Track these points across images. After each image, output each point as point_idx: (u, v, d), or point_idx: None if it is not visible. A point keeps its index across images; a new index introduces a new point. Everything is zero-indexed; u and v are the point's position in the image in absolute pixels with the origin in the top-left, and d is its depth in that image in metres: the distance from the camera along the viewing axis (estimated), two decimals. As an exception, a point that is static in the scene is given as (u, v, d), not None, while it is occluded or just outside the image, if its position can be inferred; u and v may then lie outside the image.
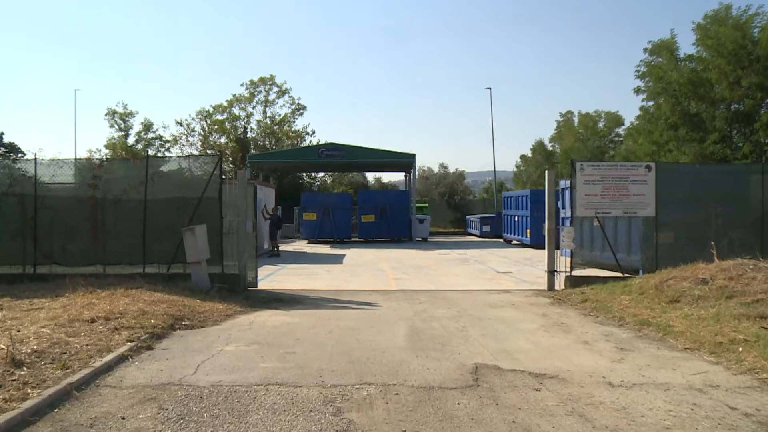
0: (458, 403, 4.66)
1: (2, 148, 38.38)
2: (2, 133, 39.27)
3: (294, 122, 42.57)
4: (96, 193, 10.80)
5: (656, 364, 5.80)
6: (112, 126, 41.71)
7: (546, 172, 11.46)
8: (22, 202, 10.90)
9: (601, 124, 43.14)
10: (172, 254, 10.55)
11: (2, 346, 5.53)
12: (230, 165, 37.05)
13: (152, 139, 41.32)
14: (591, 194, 10.82)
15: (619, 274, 10.76)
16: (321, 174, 42.36)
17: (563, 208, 15.58)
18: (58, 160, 11.32)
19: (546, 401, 4.73)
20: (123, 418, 4.38)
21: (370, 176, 56.58)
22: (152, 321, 7.24)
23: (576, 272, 10.90)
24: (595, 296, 9.46)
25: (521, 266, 15.60)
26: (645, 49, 24.21)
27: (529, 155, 49.36)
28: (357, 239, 26.45)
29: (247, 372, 5.55)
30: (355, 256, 19.25)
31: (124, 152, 38.35)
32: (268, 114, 42.31)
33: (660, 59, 23.68)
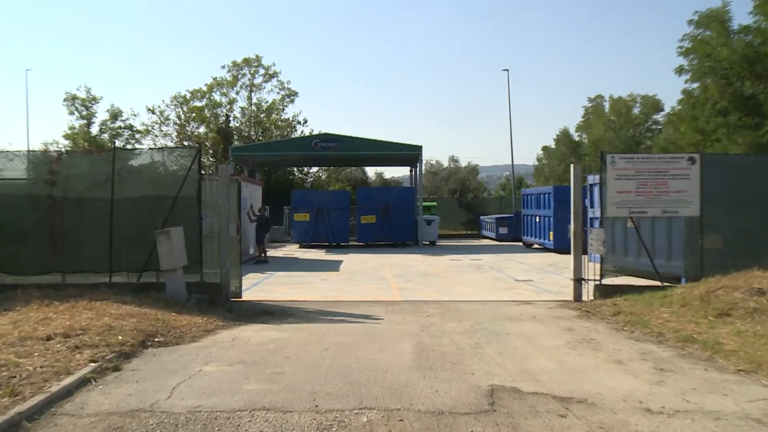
0: (471, 431, 4.62)
1: None
2: None
3: (283, 110, 42.63)
4: (54, 191, 10.74)
5: (703, 388, 5.74)
6: (72, 113, 41.27)
7: (572, 165, 11.42)
8: (-39, 202, 10.71)
9: (636, 110, 43.06)
10: (143, 261, 10.53)
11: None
12: (210, 159, 37.03)
13: (120, 128, 41.10)
14: (624, 191, 10.77)
15: (658, 283, 10.70)
16: (314, 169, 42.35)
17: (592, 207, 15.52)
18: (8, 152, 11.15)
19: (573, 429, 4.68)
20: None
21: (371, 171, 56.67)
22: (120, 338, 7.21)
23: (607, 281, 10.86)
24: (629, 308, 9.41)
25: (543, 274, 15.57)
26: (690, 21, 23.74)
27: (553, 147, 49.33)
28: (355, 243, 26.41)
29: (230, 396, 5.51)
30: (354, 262, 19.22)
31: (86, 144, 38.14)
32: (254, 100, 42.39)
33: (708, 33, 23.14)
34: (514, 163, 38.32)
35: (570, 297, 11.02)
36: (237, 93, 41.94)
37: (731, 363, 6.52)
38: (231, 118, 41.08)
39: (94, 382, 5.92)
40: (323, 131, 31.65)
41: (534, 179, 54.61)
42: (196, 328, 8.31)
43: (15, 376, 5.67)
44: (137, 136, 40.48)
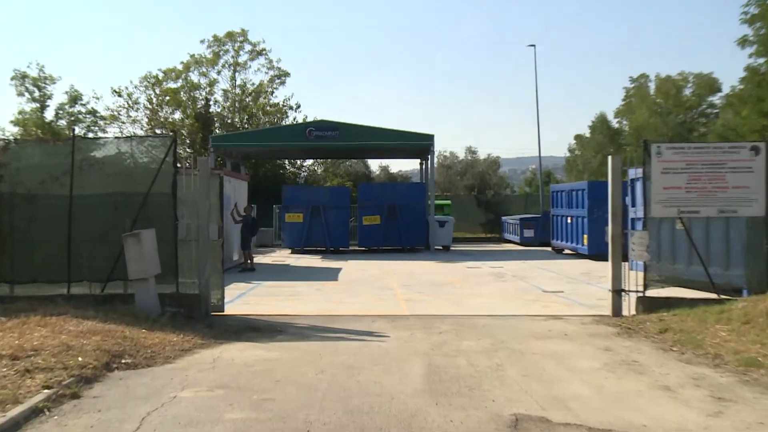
0: (494, 471, 4.57)
1: None
2: None
3: (273, 93, 42.68)
4: (0, 186, 10.74)
5: (770, 420, 5.68)
6: (21, 95, 40.51)
7: (610, 157, 11.36)
8: None
9: (687, 92, 42.83)
10: (108, 269, 10.52)
11: None
12: (188, 149, 37.07)
13: (80, 114, 40.67)
14: (672, 187, 10.71)
15: (713, 296, 10.62)
16: (309, 161, 42.44)
17: (633, 205, 15.46)
18: None
19: (615, 468, 4.62)
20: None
21: (375, 165, 56.80)
22: (80, 359, 7.18)
23: (652, 292, 10.80)
24: (678, 325, 9.34)
25: (576, 284, 15.54)
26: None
27: (587, 135, 49.23)
28: (357, 248, 26.41)
29: (210, 426, 5.49)
30: (355, 270, 19.21)
31: (40, 131, 37.82)
32: (238, 81, 42.43)
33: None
34: (542, 154, 38.22)
35: (608, 311, 10.95)
36: (218, 73, 42.04)
37: (801, 390, 6.46)
38: (211, 102, 41.17)
39: (47, 413, 5.88)
40: (319, 118, 31.70)
41: (565, 173, 54.49)
42: (170, 347, 8.29)
43: (-51, 407, 5.63)
44: (101, 122, 40.23)
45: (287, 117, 41.65)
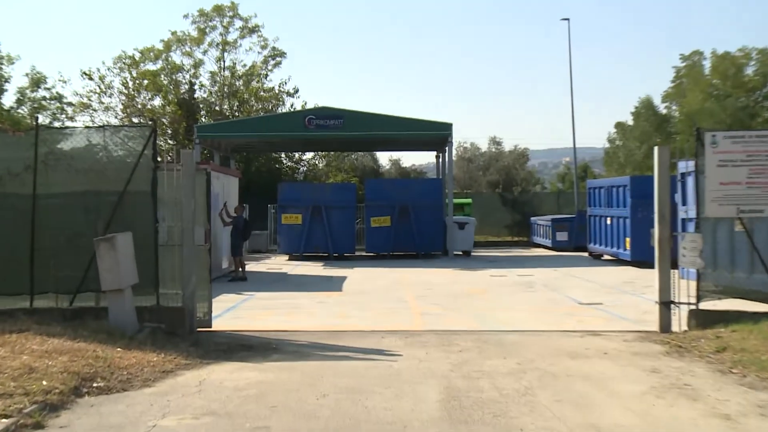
0: None
1: None
2: None
3: (267, 76, 42.83)
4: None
5: None
6: None
7: (656, 148, 11.28)
8: None
9: (749, 71, 42.37)
10: (77, 279, 10.52)
11: None
12: (170, 141, 37.22)
13: (45, 100, 40.67)
14: (730, 182, 10.62)
15: (779, 309, 10.52)
16: (309, 155, 42.50)
17: (684, 204, 15.33)
18: None
19: None
20: None
21: (384, 158, 56.82)
22: (44, 383, 7.16)
23: (707, 305, 10.73)
24: (739, 343, 9.24)
25: (617, 295, 15.50)
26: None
27: (630, 123, 48.99)
28: (364, 254, 26.46)
29: (193, 461, 5.46)
30: (361, 279, 19.22)
31: (-3, 120, 38.15)
32: (227, 63, 42.60)
33: None
34: (577, 145, 37.99)
35: (654, 326, 10.89)
36: (204, 53, 42.21)
37: None
38: (196, 87, 41.36)
39: (9, 444, 5.89)
40: (320, 105, 31.71)
41: (604, 167, 54.32)
42: (149, 369, 8.27)
43: None
44: (69, 110, 40.19)
45: (284, 104, 41.78)
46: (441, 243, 26.14)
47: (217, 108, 40.88)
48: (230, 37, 42.40)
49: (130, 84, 39.61)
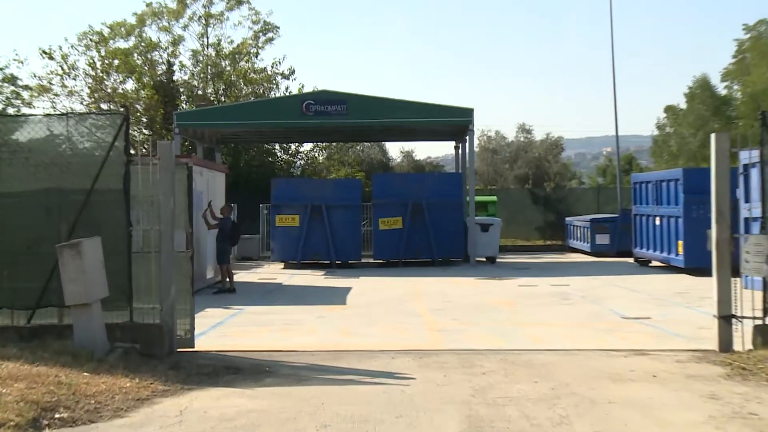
0: None
1: None
2: None
3: (258, 55, 42.82)
4: None
5: None
6: None
7: (714, 135, 11.21)
8: None
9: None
10: (37, 292, 10.53)
11: None
12: (145, 131, 37.26)
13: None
14: (800, 175, 10.56)
15: None
16: (307, 146, 42.48)
17: (747, 201, 15.24)
18: None
19: None
20: None
21: (394, 149, 56.77)
22: (-1, 413, 7.19)
23: (773, 318, 10.66)
24: (811, 363, 9.20)
25: (668, 307, 15.46)
26: None
27: (683, 106, 48.73)
28: (371, 261, 26.51)
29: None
30: (369, 290, 19.23)
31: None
32: (212, 39, 42.70)
33: None
34: (620, 133, 37.93)
35: (713, 345, 10.84)
36: (185, 28, 42.27)
37: None
38: (176, 68, 41.34)
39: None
40: (320, 88, 31.67)
41: (652, 158, 54.13)
42: (121, 396, 8.27)
43: None
44: (26, 95, 40.02)
45: (277, 87, 41.82)
46: (461, 248, 26.11)
47: (199, 92, 40.83)
48: (215, 9, 42.48)
49: (98, 64, 39.41)
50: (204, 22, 42.31)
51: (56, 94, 39.01)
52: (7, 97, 39.58)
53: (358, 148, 48.16)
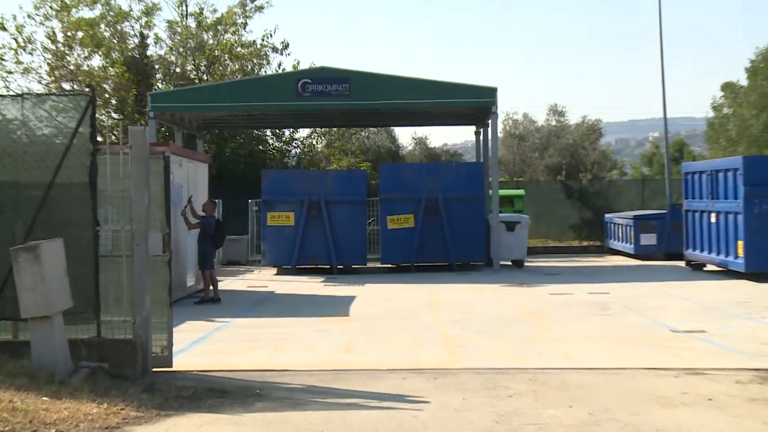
0: None
1: None
2: None
3: (246, 26, 42.72)
4: None
5: None
6: None
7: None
8: None
9: None
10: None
11: None
12: (114, 115, 37.29)
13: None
14: None
15: None
16: (304, 132, 42.45)
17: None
18: None
19: None
20: None
21: (404, 135, 56.70)
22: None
23: None
24: None
25: (726, 319, 15.45)
26: None
27: (744, 83, 48.53)
28: (378, 266, 26.60)
29: None
30: (376, 299, 19.27)
31: None
32: (192, 8, 42.69)
33: None
34: (670, 115, 37.77)
35: (778, 363, 10.82)
36: (160, -6, 42.16)
37: None
38: (150, 41, 41.35)
39: None
40: (318, 65, 31.58)
41: (707, 144, 53.95)
42: (87, 425, 8.27)
43: None
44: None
45: (269, 63, 41.71)
46: (483, 250, 26.12)
47: (178, 70, 40.81)
48: (194, -27, 42.50)
49: (59, 37, 39.32)
50: (182, -13, 42.32)
51: (9, 72, 38.80)
52: None
53: (363, 134, 48.05)
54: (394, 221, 25.80)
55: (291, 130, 41.33)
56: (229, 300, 19.33)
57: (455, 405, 9.13)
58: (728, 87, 50.20)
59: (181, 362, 11.39)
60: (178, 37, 41.78)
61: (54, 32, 38.94)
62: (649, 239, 28.99)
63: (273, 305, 18.75)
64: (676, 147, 56.67)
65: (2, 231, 10.54)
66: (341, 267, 25.70)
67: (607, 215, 33.75)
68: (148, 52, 40.65)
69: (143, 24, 41.12)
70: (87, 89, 13.61)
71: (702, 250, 24.31)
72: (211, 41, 41.57)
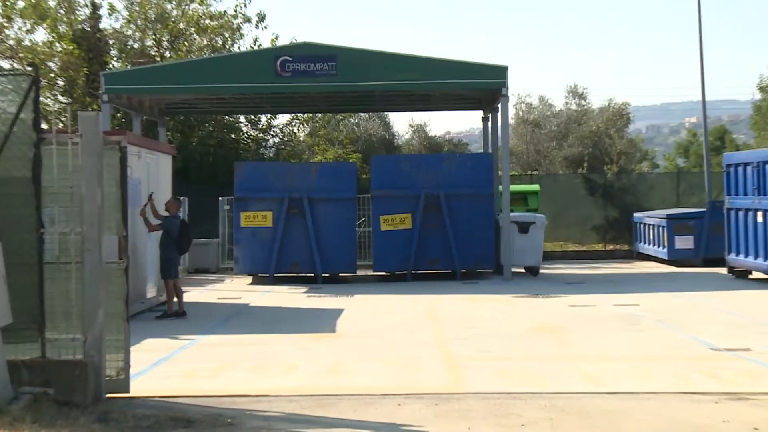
0: None
1: None
2: None
3: (217, -5, 42.71)
4: None
5: None
6: None
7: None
8: None
9: None
10: None
11: None
12: (61, 99, 37.26)
13: None
14: None
15: None
16: (283, 118, 42.45)
17: None
18: None
19: None
20: None
21: (401, 121, 56.72)
22: None
23: None
24: None
25: (775, 335, 15.45)
26: None
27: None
28: (369, 274, 26.72)
29: None
30: (367, 313, 19.35)
31: None
32: (153, -25, 42.58)
33: None
34: (709, 98, 37.93)
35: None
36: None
37: None
38: (103, 12, 41.26)
39: None
40: (300, 40, 31.59)
41: (753, 132, 54.11)
42: (30, 460, 8.31)
43: None
44: None
45: (242, 38, 41.75)
46: (491, 255, 26.23)
47: (136, 45, 40.83)
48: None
49: (-2, 9, 39.63)
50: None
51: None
52: None
53: (353, 120, 48.17)
54: (389, 222, 25.84)
55: (268, 116, 41.33)
56: (196, 314, 19.33)
57: (459, 436, 9.13)
58: (776, 67, 50.39)
59: (140, 387, 11.38)
60: (137, 8, 41.62)
61: (-11, 4, 38.93)
62: (684, 242, 29.06)
63: (247, 320, 18.77)
64: (717, 134, 56.79)
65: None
66: (327, 275, 25.80)
67: (635, 214, 33.84)
68: (102, 25, 40.48)
69: (95, -6, 41.11)
70: (29, 68, 13.56)
71: (747, 255, 24.31)
72: (174, 12, 41.55)
